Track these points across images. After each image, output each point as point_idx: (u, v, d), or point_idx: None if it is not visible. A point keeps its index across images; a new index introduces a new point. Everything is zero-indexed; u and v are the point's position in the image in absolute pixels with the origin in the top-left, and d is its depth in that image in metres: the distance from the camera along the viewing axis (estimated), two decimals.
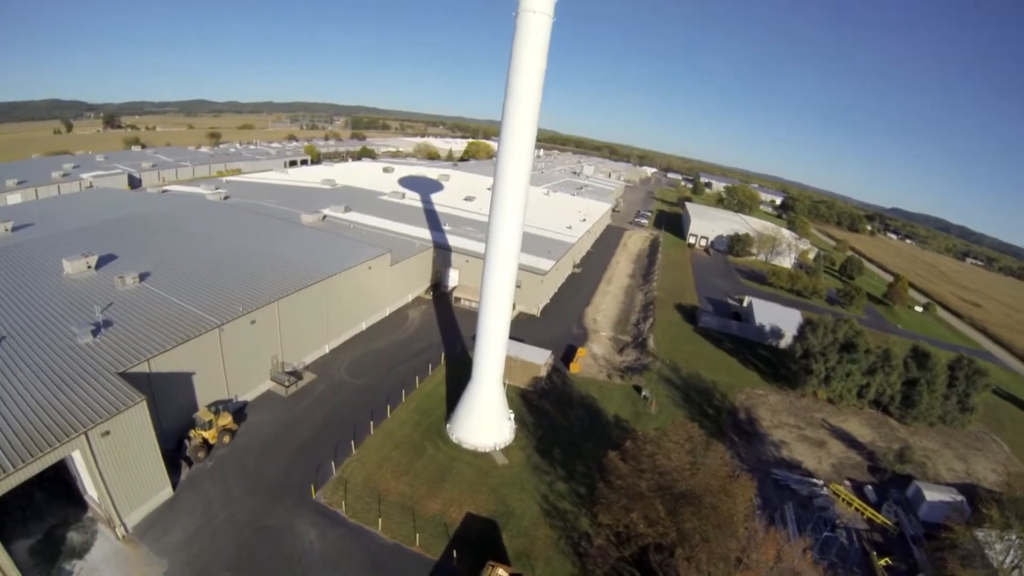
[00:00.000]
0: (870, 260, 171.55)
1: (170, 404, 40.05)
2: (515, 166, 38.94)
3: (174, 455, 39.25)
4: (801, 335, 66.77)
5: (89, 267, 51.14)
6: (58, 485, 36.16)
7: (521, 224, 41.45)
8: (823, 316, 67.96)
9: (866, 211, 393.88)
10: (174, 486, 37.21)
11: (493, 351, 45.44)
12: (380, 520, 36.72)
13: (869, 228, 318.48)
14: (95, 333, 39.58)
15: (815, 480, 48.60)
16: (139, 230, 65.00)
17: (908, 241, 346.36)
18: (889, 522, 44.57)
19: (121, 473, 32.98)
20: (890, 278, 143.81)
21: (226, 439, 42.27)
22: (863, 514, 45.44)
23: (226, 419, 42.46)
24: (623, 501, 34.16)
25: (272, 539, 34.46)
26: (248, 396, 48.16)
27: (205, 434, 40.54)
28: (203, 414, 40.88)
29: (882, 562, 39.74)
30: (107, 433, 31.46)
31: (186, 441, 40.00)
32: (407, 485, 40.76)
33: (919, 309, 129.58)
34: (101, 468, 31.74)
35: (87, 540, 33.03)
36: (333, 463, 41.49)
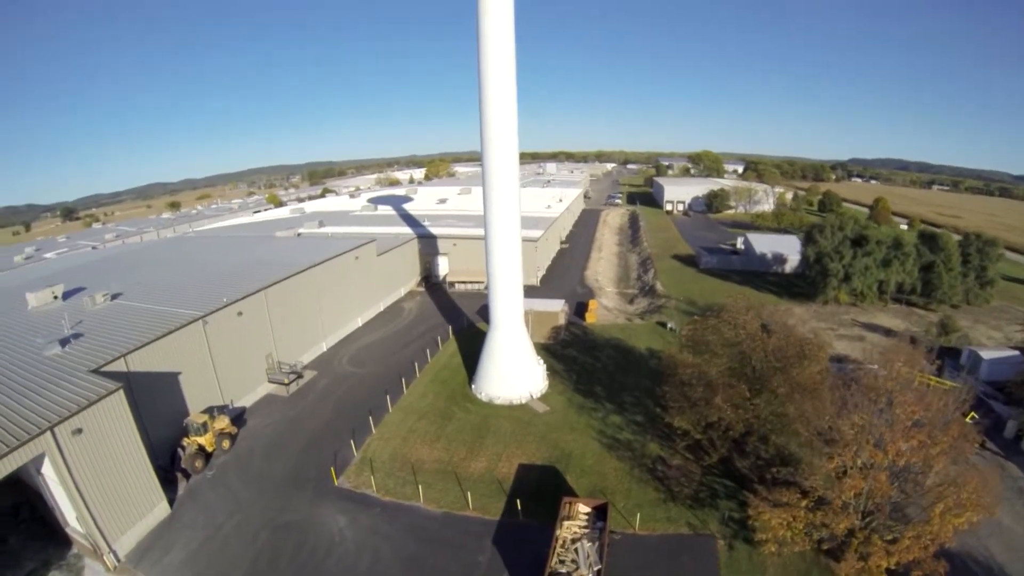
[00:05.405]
0: (844, 199, 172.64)
1: (156, 411, 34.55)
2: (501, 107, 37.00)
3: (168, 471, 33.62)
4: (809, 240, 64.83)
5: (56, 297, 45.75)
6: (35, 526, 30.77)
7: (516, 165, 39.67)
8: (826, 217, 66.11)
9: (827, 164, 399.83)
10: (171, 503, 31.54)
11: (511, 292, 41.25)
12: (421, 490, 31.55)
13: (834, 176, 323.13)
14: (63, 344, 34.30)
15: (870, 366, 45.10)
16: (107, 266, 60.10)
17: (873, 182, 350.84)
18: (957, 385, 41.42)
19: (102, 484, 27.39)
20: (866, 210, 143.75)
21: (225, 444, 36.67)
22: (929, 385, 42.04)
23: (223, 422, 37.02)
24: (699, 391, 29.75)
25: (294, 536, 29.04)
26: (246, 401, 42.78)
27: (200, 440, 35.04)
28: (196, 417, 35.45)
29: (968, 418, 37.13)
30: (79, 431, 26.07)
31: (179, 451, 34.44)
32: (442, 451, 35.72)
33: (904, 227, 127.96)
34: (76, 478, 26.18)
35: None
36: (353, 445, 36.35)
